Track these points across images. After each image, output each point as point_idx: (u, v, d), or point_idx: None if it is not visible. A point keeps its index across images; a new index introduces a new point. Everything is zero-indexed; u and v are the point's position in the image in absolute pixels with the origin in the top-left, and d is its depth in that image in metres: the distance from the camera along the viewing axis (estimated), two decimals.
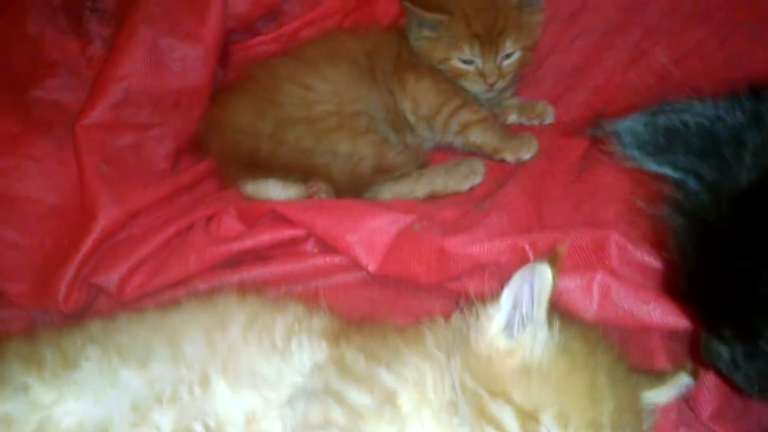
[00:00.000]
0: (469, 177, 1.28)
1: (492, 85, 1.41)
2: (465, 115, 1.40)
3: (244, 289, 1.00)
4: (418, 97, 1.42)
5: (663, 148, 0.76)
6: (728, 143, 0.73)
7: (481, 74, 1.40)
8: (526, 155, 1.37)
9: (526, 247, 0.98)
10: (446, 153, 1.46)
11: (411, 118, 1.44)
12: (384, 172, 1.27)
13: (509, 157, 1.38)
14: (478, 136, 1.39)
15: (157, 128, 1.39)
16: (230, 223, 1.24)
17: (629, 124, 0.79)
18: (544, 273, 0.74)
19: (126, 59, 1.34)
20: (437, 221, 1.15)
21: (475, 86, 1.42)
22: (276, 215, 1.21)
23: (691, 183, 0.75)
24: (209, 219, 1.27)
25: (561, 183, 1.27)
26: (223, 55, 1.56)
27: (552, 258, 0.75)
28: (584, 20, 1.60)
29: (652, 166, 0.77)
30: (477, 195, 1.27)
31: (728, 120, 0.74)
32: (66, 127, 1.33)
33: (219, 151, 1.37)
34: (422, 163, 1.34)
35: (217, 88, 1.49)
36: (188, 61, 1.40)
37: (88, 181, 1.25)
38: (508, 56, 1.41)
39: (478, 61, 1.39)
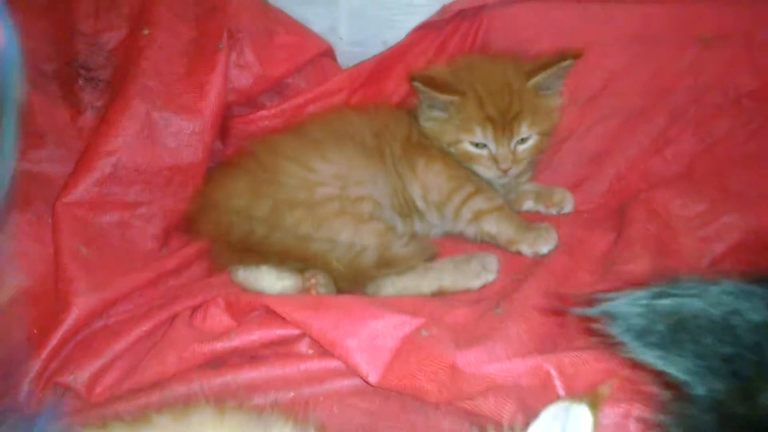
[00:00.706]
0: (480, 275, 1.17)
1: (506, 171, 1.31)
2: (478, 203, 1.29)
3: (224, 399, 0.87)
4: (428, 182, 1.32)
5: (666, 341, 0.62)
6: (749, 348, 0.58)
7: (494, 159, 1.31)
8: (545, 248, 1.26)
9: (552, 372, 0.85)
10: (457, 241, 1.35)
11: (420, 204, 1.34)
12: (387, 265, 1.16)
13: (526, 249, 1.26)
14: (492, 226, 1.28)
15: (146, 206, 1.29)
16: (217, 317, 1.12)
17: (625, 307, 0.64)
18: (583, 418, 0.61)
19: (117, 133, 1.25)
20: (448, 324, 1.03)
21: (487, 172, 1.33)
22: (268, 310, 1.08)
23: (699, 390, 0.60)
24: (195, 310, 1.15)
25: (584, 282, 1.16)
26: (223, 129, 1.47)
27: (592, 400, 0.62)
28: (604, 104, 1.53)
29: (651, 360, 0.63)
30: (491, 293, 1.15)
31: (750, 315, 0.59)
32: (48, 203, 1.22)
33: (210, 233, 1.26)
34: (430, 255, 1.22)
35: (214, 164, 1.39)
36: (184, 136, 1.31)
37: (65, 264, 1.13)
38: (523, 141, 1.33)
39: (491, 146, 1.30)
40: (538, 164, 1.51)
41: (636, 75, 1.51)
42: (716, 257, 1.21)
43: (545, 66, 1.28)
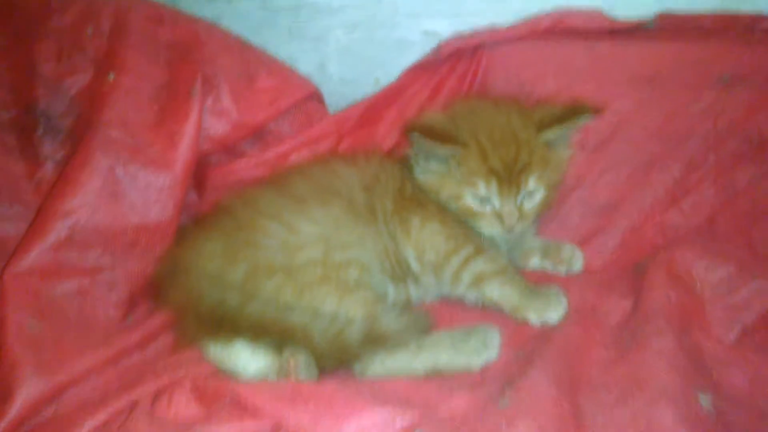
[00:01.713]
0: (481, 352, 1.03)
1: (511, 229, 1.18)
2: (479, 265, 1.16)
3: None
4: (424, 242, 1.19)
5: None
6: None
7: (499, 216, 1.18)
8: (554, 317, 1.13)
9: None
10: (454, 306, 1.22)
11: (415, 266, 1.21)
12: (376, 342, 1.03)
13: (533, 318, 1.13)
14: (495, 291, 1.15)
15: (108, 272, 1.17)
16: (183, 404, 0.99)
17: None
18: None
19: (75, 191, 1.13)
20: (445, 419, 0.90)
21: (491, 229, 1.20)
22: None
23: None
24: (158, 394, 1.01)
25: (600, 361, 1.02)
26: (198, 180, 1.35)
27: None
28: (614, 151, 1.40)
29: None
30: (494, 374, 1.02)
31: None
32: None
33: (179, 301, 1.12)
34: (425, 328, 1.09)
35: (187, 221, 1.26)
36: (151, 191, 1.19)
37: (10, 345, 1.00)
38: (530, 195, 1.19)
39: (496, 201, 1.17)
40: (544, 216, 1.38)
41: (648, 119, 1.38)
42: (746, 328, 1.08)
43: (559, 120, 1.15)
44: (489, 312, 1.18)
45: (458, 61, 1.47)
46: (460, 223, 1.20)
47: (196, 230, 1.19)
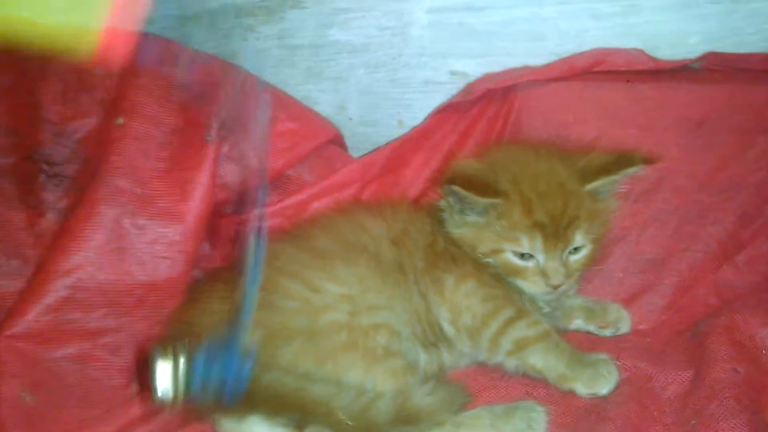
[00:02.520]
0: None
1: (556, 288, 1.07)
2: (521, 330, 1.05)
3: None
4: (459, 303, 1.08)
5: None
6: None
7: (543, 273, 1.07)
8: (605, 389, 1.01)
9: None
10: (492, 375, 1.10)
11: (448, 330, 1.10)
12: (407, 421, 0.92)
13: (581, 389, 1.02)
14: (538, 359, 1.04)
15: (112, 335, 1.07)
16: None
17: None
18: None
19: (77, 246, 1.04)
20: None
21: (533, 287, 1.09)
22: None
23: None
24: None
25: None
26: (212, 230, 1.24)
27: None
28: (661, 201, 1.30)
29: None
30: None
31: None
32: None
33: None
34: (460, 402, 0.98)
35: (198, 277, 1.16)
36: (161, 246, 1.09)
37: (2, 419, 0.90)
38: (576, 250, 1.09)
39: (540, 257, 1.07)
40: (587, 270, 1.27)
41: (697, 167, 1.28)
42: None
43: (607, 170, 1.06)
44: (532, 381, 1.06)
45: (489, 102, 1.38)
46: (499, 282, 1.10)
47: (208, 288, 1.09)
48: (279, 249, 1.10)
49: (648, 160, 1.05)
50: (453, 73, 1.48)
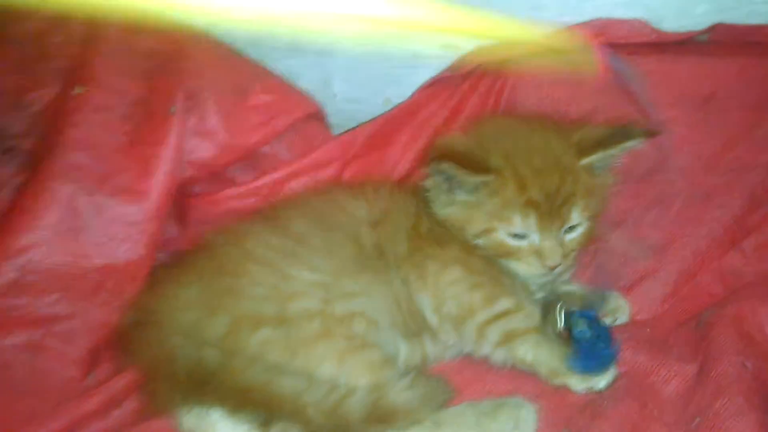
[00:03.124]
0: None
1: (553, 268, 1.00)
2: (511, 323, 0.97)
3: None
4: (444, 291, 1.00)
5: None
6: None
7: (539, 253, 0.99)
8: (602, 383, 0.94)
9: None
10: (478, 366, 1.01)
11: (432, 319, 1.01)
12: (383, 419, 0.84)
13: (576, 385, 0.94)
14: (528, 352, 0.96)
15: (66, 322, 0.99)
16: None
17: None
18: None
19: (28, 225, 0.96)
20: None
21: (529, 269, 1.01)
22: None
23: None
24: None
25: None
26: (179, 212, 1.16)
27: None
28: (664, 182, 1.21)
29: None
30: None
31: None
32: None
33: (149, 358, 0.94)
34: (442, 398, 0.89)
35: (166, 258, 1.08)
36: (120, 226, 1.01)
37: None
38: (571, 229, 1.01)
39: (535, 237, 0.99)
40: (583, 256, 1.19)
41: (703, 146, 1.20)
42: None
43: (604, 143, 0.98)
44: (521, 374, 0.98)
45: (481, 77, 1.30)
46: (489, 267, 1.01)
47: (171, 273, 1.01)
48: (249, 231, 1.03)
49: (648, 133, 0.98)
50: (444, 46, 1.38)
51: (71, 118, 1.02)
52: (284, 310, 0.92)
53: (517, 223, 0.98)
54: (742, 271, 1.14)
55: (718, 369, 0.89)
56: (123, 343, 0.98)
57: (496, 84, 1.28)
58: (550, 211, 0.97)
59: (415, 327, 1.01)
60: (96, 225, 1.00)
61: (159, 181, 1.03)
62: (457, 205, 1.01)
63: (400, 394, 0.86)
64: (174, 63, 1.09)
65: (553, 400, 0.93)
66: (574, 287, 1.14)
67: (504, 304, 0.98)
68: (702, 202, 1.18)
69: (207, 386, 0.88)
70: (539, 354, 0.96)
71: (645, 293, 1.15)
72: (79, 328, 0.98)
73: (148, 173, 1.02)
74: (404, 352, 1.00)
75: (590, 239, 1.06)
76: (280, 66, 1.42)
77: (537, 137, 1.01)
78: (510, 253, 1.00)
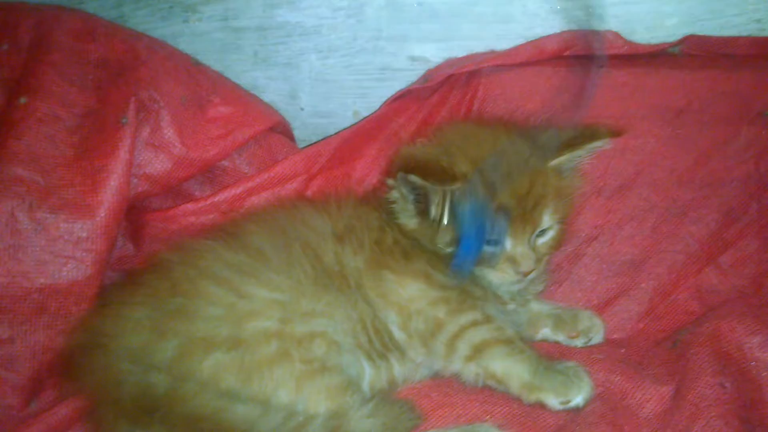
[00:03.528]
0: None
1: (526, 274, 0.97)
2: (480, 333, 0.93)
3: None
4: (409, 306, 0.95)
5: None
6: None
7: (511, 260, 0.96)
8: (579, 396, 0.89)
9: None
10: (447, 390, 0.96)
11: (399, 335, 0.97)
12: None
13: (551, 401, 0.90)
14: (497, 364, 0.91)
15: (5, 346, 0.92)
16: None
17: None
18: None
19: None
20: None
21: (501, 276, 0.98)
22: None
23: None
24: None
25: None
26: (134, 229, 1.10)
27: None
28: (637, 197, 1.18)
29: None
30: None
31: None
32: None
33: (95, 385, 0.88)
34: (407, 425, 0.84)
35: (114, 281, 1.01)
36: (65, 244, 0.95)
37: None
38: (542, 233, 0.99)
39: (507, 243, 0.96)
40: (554, 273, 1.15)
41: (677, 160, 1.17)
42: None
43: (571, 145, 0.96)
44: (492, 397, 0.93)
45: (450, 89, 1.26)
46: (459, 282, 0.96)
47: (121, 292, 0.95)
48: (204, 247, 0.97)
49: (614, 133, 0.97)
50: (413, 58, 1.35)
51: (14, 129, 0.96)
52: (239, 332, 0.87)
53: (488, 230, 0.93)
54: (720, 288, 1.11)
55: (695, 390, 0.86)
56: (67, 368, 0.91)
57: (466, 96, 1.24)
58: (522, 215, 0.94)
59: (381, 347, 0.96)
60: (38, 243, 0.93)
61: (107, 196, 0.97)
62: (425, 215, 0.97)
63: (361, 422, 0.81)
64: (127, 72, 1.04)
65: (524, 426, 0.88)
66: (545, 307, 1.09)
67: (470, 316, 0.94)
68: (677, 217, 1.15)
69: (154, 414, 0.82)
70: (511, 367, 0.91)
71: (619, 312, 1.12)
72: (19, 352, 0.92)
73: (96, 188, 0.96)
74: (369, 374, 0.95)
75: (560, 243, 1.03)
76: (244, 79, 1.38)
77: (503, 141, 0.98)
78: (481, 261, 0.96)
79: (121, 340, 0.87)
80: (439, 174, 0.92)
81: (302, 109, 1.43)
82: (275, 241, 0.98)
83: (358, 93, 1.39)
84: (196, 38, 1.39)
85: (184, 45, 1.34)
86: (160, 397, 0.83)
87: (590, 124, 0.98)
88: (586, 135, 0.96)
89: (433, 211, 0.96)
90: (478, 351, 0.92)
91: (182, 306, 0.89)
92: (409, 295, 0.96)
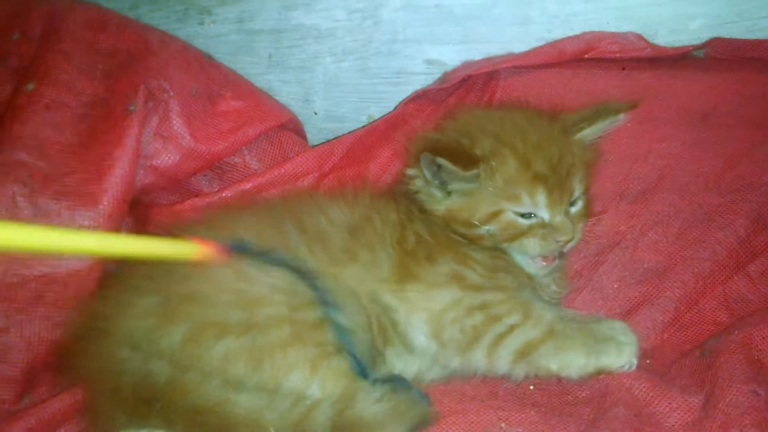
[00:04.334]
0: None
1: (566, 243, 0.94)
2: (522, 335, 0.89)
3: None
4: (441, 316, 0.91)
5: None
6: None
7: (550, 229, 0.94)
8: (633, 359, 0.90)
9: None
10: (461, 392, 0.91)
11: (425, 343, 0.92)
12: None
13: (611, 367, 0.89)
14: (551, 362, 0.89)
15: (1, 336, 0.86)
16: None
17: None
18: None
19: None
20: None
21: (540, 247, 0.95)
22: None
23: None
24: None
25: None
26: (140, 222, 1.07)
27: None
28: (662, 201, 1.13)
29: None
30: None
31: None
32: None
33: (93, 375, 0.84)
34: (420, 417, 0.79)
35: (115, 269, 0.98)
36: None
37: None
38: (572, 203, 0.97)
39: (544, 213, 0.94)
40: (574, 280, 1.10)
41: (703, 163, 1.13)
42: None
43: (592, 119, 0.97)
44: (506, 403, 0.88)
45: (468, 92, 1.24)
46: (490, 270, 0.94)
47: (125, 279, 0.91)
48: (209, 229, 0.93)
49: (630, 106, 0.98)
50: (429, 62, 1.33)
51: (20, 114, 0.94)
52: (251, 317, 0.83)
53: (526, 201, 0.93)
54: (749, 298, 1.05)
55: (726, 399, 0.79)
56: (65, 360, 0.88)
57: (483, 98, 1.22)
58: (558, 183, 0.93)
59: (382, 342, 0.92)
60: None
61: (112, 185, 0.94)
62: (455, 195, 0.95)
63: (370, 406, 0.78)
64: (137, 62, 1.02)
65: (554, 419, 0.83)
66: (567, 314, 1.04)
67: (509, 320, 0.89)
68: (703, 223, 1.10)
69: (153, 405, 0.79)
70: (563, 359, 0.89)
71: (644, 321, 1.05)
72: (14, 343, 0.88)
73: (100, 176, 0.94)
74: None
75: (588, 214, 1.02)
76: (258, 82, 1.37)
77: (521, 119, 0.98)
78: (521, 233, 0.94)
79: (124, 326, 0.84)
80: (462, 155, 0.91)
81: (316, 113, 1.41)
82: (281, 225, 0.94)
83: (372, 97, 1.37)
84: (211, 40, 1.38)
85: (199, 47, 1.33)
86: (160, 387, 0.80)
87: (605, 102, 0.98)
88: (605, 109, 0.97)
89: (463, 186, 0.94)
90: (523, 354, 0.89)
91: (192, 291, 0.86)
92: (442, 305, 0.91)
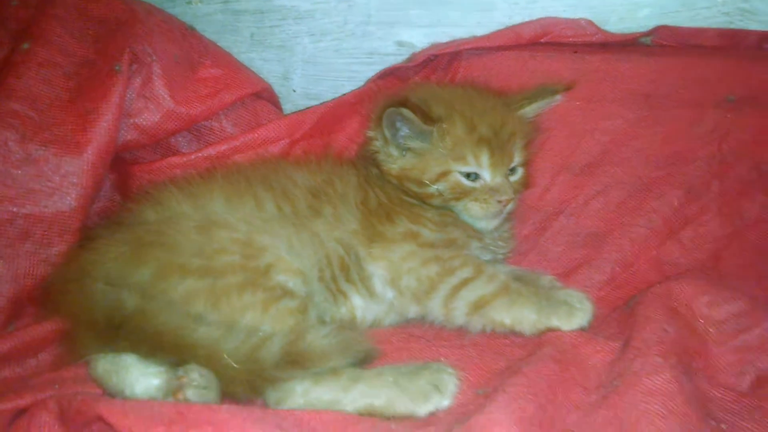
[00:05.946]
0: (429, 396, 0.82)
1: (506, 204, 1.04)
2: (478, 289, 0.98)
3: None
4: (399, 265, 1.01)
5: None
6: None
7: (492, 190, 1.03)
8: (583, 321, 0.97)
9: None
10: (410, 335, 1.00)
11: (385, 291, 1.03)
12: (297, 363, 0.82)
13: (561, 328, 0.96)
14: (504, 315, 0.97)
15: None
16: (45, 428, 0.76)
17: None
18: None
19: None
20: None
21: (483, 208, 1.04)
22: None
23: None
24: (19, 414, 0.79)
25: (579, 404, 0.82)
26: (122, 178, 1.16)
27: None
28: (604, 174, 1.23)
29: None
30: (443, 417, 0.80)
31: None
32: None
33: (71, 307, 0.92)
34: (364, 355, 0.88)
35: (98, 222, 1.07)
36: (52, 176, 1.01)
37: None
38: (511, 172, 1.09)
39: (486, 174, 1.04)
40: (521, 244, 1.19)
41: (644, 140, 1.22)
42: (761, 373, 0.87)
43: (533, 97, 1.09)
44: (447, 343, 0.97)
45: (433, 71, 1.32)
46: (442, 228, 1.03)
47: (104, 229, 1.00)
48: (180, 189, 1.02)
49: (567, 88, 1.10)
50: (400, 43, 1.42)
51: (15, 69, 1.03)
52: (209, 263, 0.92)
53: (471, 161, 1.02)
54: (680, 261, 1.14)
55: (639, 337, 0.88)
56: (49, 295, 0.96)
57: (446, 77, 1.30)
58: (499, 146, 1.03)
59: (345, 282, 1.01)
60: (27, 172, 0.99)
61: (96, 136, 1.03)
62: (410, 156, 1.05)
63: (317, 339, 0.84)
64: (125, 28, 1.11)
65: (476, 367, 0.91)
66: (507, 269, 1.13)
67: (462, 274, 0.98)
68: (641, 193, 1.20)
69: (122, 329, 0.87)
70: (515, 314, 0.97)
71: (582, 280, 1.15)
72: (3, 275, 0.96)
73: (86, 127, 1.02)
74: (331, 307, 1.00)
75: (526, 185, 1.12)
76: (241, 60, 1.44)
77: (471, 92, 1.09)
78: (466, 193, 1.04)
79: (100, 268, 0.92)
80: (422, 112, 1.01)
81: (294, 90, 1.49)
82: (240, 188, 1.03)
83: (347, 76, 1.45)
84: (197, 19, 1.46)
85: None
86: (129, 313, 0.87)
87: (545, 83, 1.09)
88: (544, 90, 1.08)
89: (417, 145, 1.04)
90: (478, 307, 0.98)
91: (160, 239, 0.94)
92: (400, 255, 1.01)
